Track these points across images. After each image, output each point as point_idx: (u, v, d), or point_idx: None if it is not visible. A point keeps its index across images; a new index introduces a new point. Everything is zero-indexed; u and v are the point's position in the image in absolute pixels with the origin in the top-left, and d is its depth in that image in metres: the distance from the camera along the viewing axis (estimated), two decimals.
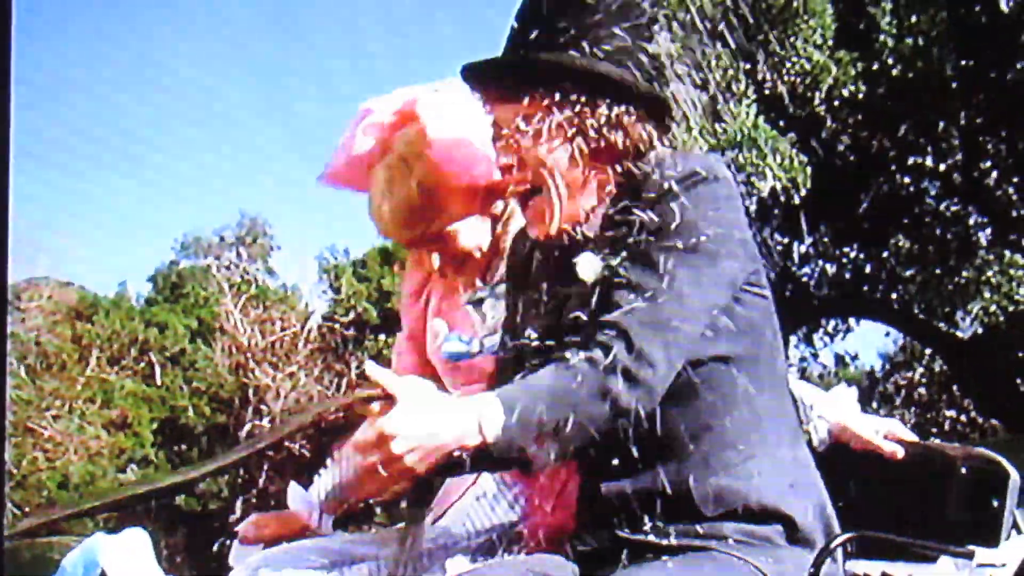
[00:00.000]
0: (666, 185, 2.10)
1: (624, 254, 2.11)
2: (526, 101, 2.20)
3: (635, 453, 2.07)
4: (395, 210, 2.57)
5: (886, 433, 2.50)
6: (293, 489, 2.91)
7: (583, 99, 2.17)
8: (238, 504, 24.98)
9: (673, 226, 2.07)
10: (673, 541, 2.08)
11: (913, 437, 2.51)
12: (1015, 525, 2.34)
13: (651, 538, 2.10)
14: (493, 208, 2.64)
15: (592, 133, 2.18)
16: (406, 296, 2.88)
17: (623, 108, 2.18)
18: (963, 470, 2.37)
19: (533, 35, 2.21)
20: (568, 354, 2.03)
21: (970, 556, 2.20)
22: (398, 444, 1.89)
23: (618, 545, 2.12)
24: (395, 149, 2.59)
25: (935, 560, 2.30)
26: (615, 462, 2.10)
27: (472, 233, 2.61)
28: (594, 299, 2.13)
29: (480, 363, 2.61)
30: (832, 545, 2.06)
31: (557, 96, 2.17)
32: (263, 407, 25.82)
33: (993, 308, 14.27)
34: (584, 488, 2.23)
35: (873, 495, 2.27)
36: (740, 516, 2.09)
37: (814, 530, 2.12)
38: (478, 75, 2.30)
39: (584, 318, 2.12)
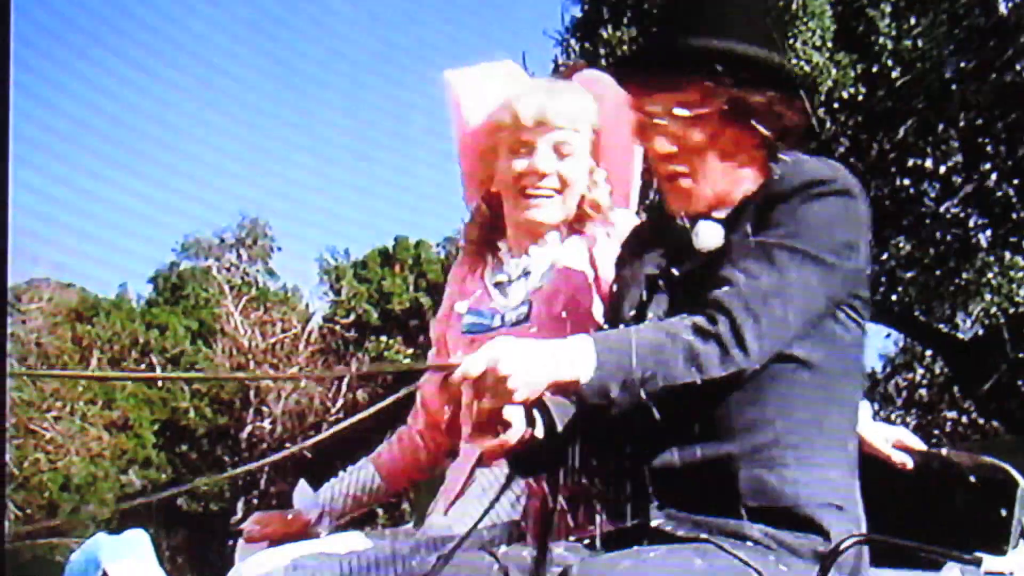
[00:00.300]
0: (799, 185, 2.13)
1: (743, 239, 2.14)
2: (683, 88, 2.22)
3: (691, 427, 2.09)
4: (561, 99, 2.65)
5: (895, 442, 2.50)
6: (301, 487, 2.92)
7: (742, 85, 2.20)
8: (239, 505, 25.00)
9: (797, 227, 2.10)
10: (693, 534, 2.07)
11: (922, 445, 2.50)
12: (1023, 534, 2.34)
13: (674, 529, 2.09)
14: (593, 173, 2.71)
15: (748, 119, 2.21)
16: (449, 297, 2.89)
17: (778, 95, 2.22)
18: (971, 479, 2.37)
19: (686, 22, 2.25)
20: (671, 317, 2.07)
21: (978, 563, 2.20)
22: (512, 380, 1.94)
23: (638, 530, 2.12)
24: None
25: (941, 567, 2.30)
26: (668, 434, 2.10)
27: (581, 167, 2.67)
28: (701, 271, 2.17)
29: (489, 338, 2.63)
30: (842, 547, 2.05)
31: (717, 82, 2.20)
32: (264, 408, 25.85)
33: (993, 310, 14.29)
34: (627, 461, 2.23)
35: (880, 503, 2.25)
36: (778, 519, 2.08)
37: (848, 557, 2.10)
38: (634, 65, 2.38)
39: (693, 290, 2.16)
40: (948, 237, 15.16)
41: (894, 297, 15.73)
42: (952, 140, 14.62)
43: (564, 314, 2.51)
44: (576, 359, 1.98)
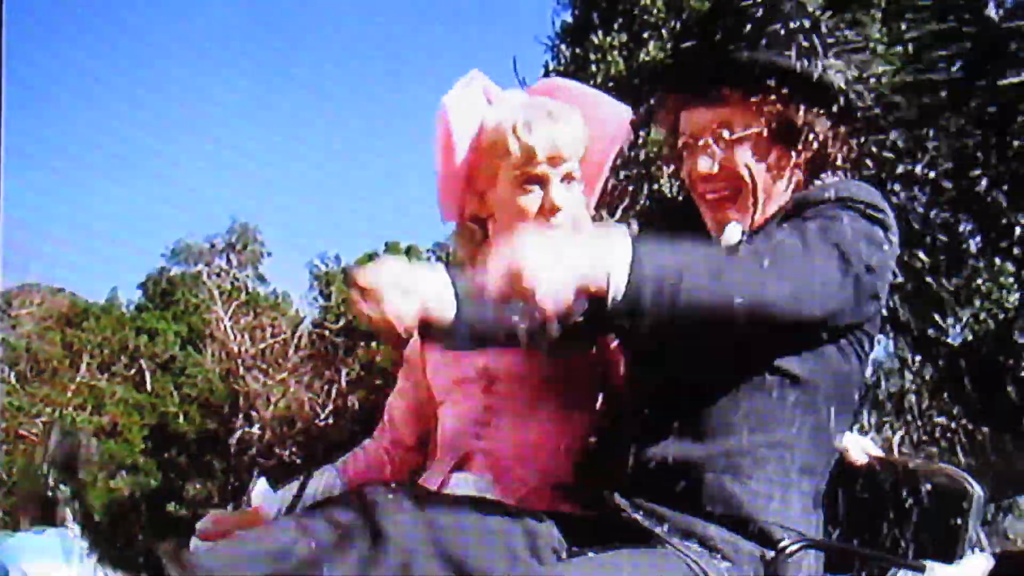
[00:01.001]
0: (840, 197, 2.02)
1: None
2: (728, 103, 2.12)
3: (667, 423, 2.03)
4: (567, 128, 2.58)
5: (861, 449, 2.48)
6: (261, 486, 2.85)
7: (790, 104, 2.10)
8: (228, 510, 24.89)
9: (832, 224, 1.98)
10: (654, 525, 2.02)
11: (880, 453, 2.48)
12: (977, 543, 2.30)
13: (636, 515, 2.04)
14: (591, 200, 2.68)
15: (796, 141, 2.11)
16: None
17: (827, 117, 2.13)
18: (927, 486, 2.35)
19: (732, 35, 2.13)
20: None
21: (921, 569, 2.17)
22: (534, 279, 1.75)
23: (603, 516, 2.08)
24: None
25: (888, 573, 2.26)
26: (646, 426, 2.05)
27: (579, 190, 2.62)
28: None
29: (476, 355, 2.60)
30: (788, 550, 2.00)
31: (764, 99, 2.10)
32: (253, 414, 25.79)
33: (983, 316, 14.31)
34: (600, 448, 2.17)
35: (837, 511, 2.24)
36: (735, 527, 2.03)
37: (801, 568, 2.05)
38: (673, 77, 2.26)
39: None
40: (938, 243, 15.19)
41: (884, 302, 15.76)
42: (942, 146, 14.65)
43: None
44: (610, 256, 1.81)
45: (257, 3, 54.35)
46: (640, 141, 12.95)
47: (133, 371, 29.03)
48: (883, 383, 23.15)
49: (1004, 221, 15.21)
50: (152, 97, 52.80)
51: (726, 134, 2.12)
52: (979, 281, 14.25)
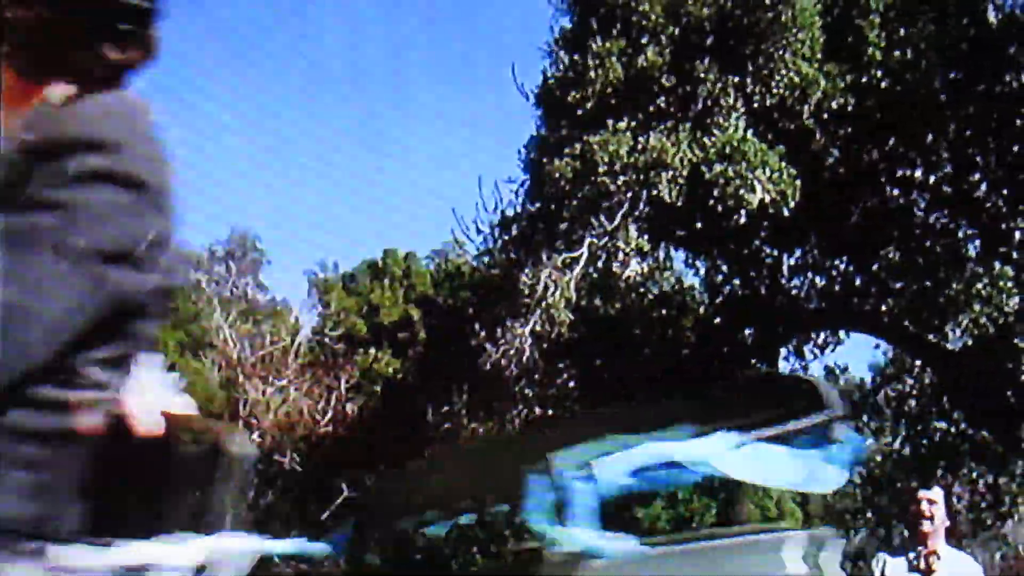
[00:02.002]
0: (70, 143, 1.68)
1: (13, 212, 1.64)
2: None
3: None
4: None
5: (162, 411, 1.92)
6: None
7: None
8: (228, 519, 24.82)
9: (70, 216, 1.63)
10: None
11: (189, 410, 1.99)
12: (241, 519, 1.93)
13: None
14: None
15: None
16: None
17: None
18: (193, 447, 1.91)
19: None
20: None
21: (107, 545, 1.71)
22: None
23: None
24: None
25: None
26: None
27: None
28: None
29: None
30: None
31: None
32: (253, 421, 25.75)
33: (982, 320, 14.27)
34: None
35: (112, 483, 1.77)
36: None
37: None
38: None
39: None
40: (937, 247, 15.16)
41: (883, 307, 15.73)
42: (941, 150, 14.63)
43: None
44: None
45: (255, 10, 54.41)
46: (639, 147, 12.94)
47: None
48: (883, 388, 23.12)
49: (1003, 226, 15.18)
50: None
51: None
52: (979, 286, 14.21)
